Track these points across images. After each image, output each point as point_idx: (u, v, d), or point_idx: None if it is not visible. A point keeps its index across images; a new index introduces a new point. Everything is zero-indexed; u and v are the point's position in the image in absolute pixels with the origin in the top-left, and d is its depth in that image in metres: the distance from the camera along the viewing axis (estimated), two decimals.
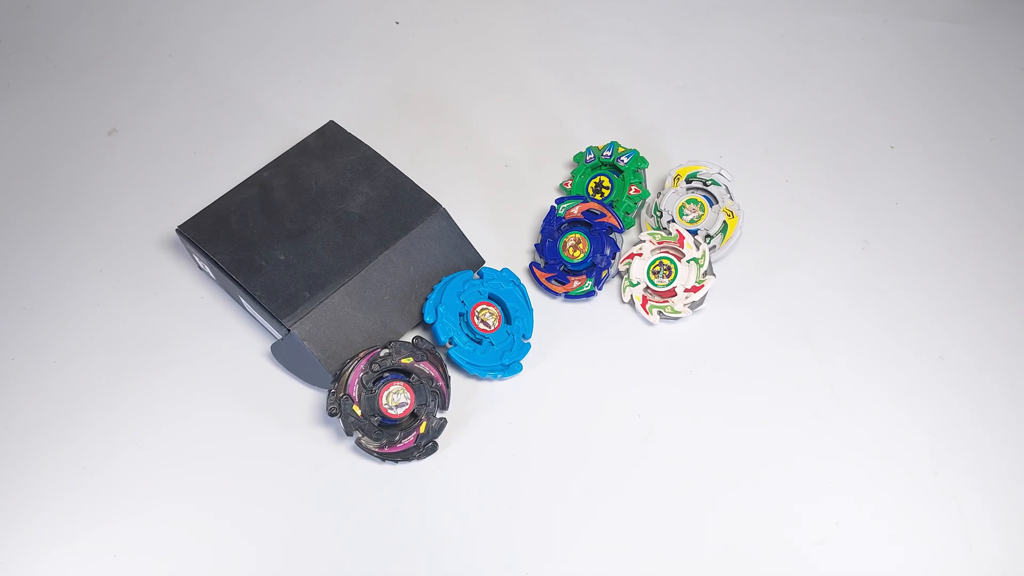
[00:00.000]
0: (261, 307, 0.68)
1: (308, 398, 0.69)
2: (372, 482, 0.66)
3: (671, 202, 0.78)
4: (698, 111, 0.88)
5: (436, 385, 0.68)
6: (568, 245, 0.75)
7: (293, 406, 0.69)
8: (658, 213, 0.77)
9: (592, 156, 0.81)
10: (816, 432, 0.68)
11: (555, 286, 0.75)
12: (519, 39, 0.94)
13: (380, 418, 0.67)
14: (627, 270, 0.75)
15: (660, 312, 0.73)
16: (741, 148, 0.85)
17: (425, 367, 0.67)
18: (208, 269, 0.73)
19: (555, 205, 0.77)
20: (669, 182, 0.79)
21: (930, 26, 0.96)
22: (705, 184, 0.78)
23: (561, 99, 0.89)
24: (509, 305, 0.72)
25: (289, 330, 0.67)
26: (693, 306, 0.73)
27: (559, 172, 0.83)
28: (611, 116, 0.87)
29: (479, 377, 0.70)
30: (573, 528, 0.64)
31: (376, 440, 0.65)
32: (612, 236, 0.75)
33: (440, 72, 0.91)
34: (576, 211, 0.76)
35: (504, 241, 0.78)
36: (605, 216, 0.75)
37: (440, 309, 0.70)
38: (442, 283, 0.71)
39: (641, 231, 0.79)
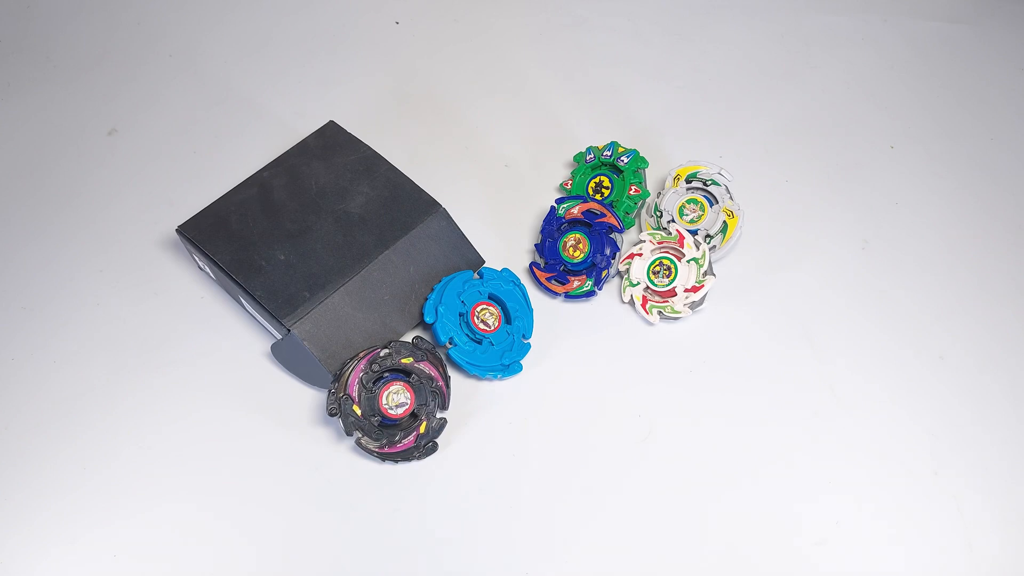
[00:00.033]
0: (261, 307, 0.68)
1: (308, 398, 0.69)
2: (372, 482, 0.66)
3: (671, 202, 0.78)
4: (698, 111, 0.88)
5: (436, 385, 0.68)
6: (568, 245, 0.75)
7: (293, 406, 0.69)
8: (658, 213, 0.77)
9: (592, 156, 0.81)
10: (816, 432, 0.68)
11: (555, 286, 0.74)
12: (519, 39, 0.94)
13: (380, 418, 0.67)
14: (627, 270, 0.75)
15: (660, 312, 0.73)
16: (741, 148, 0.85)
17: (425, 367, 0.67)
18: (208, 269, 0.73)
19: (555, 205, 0.77)
20: (669, 182, 0.79)
21: (930, 26, 0.96)
22: (705, 184, 0.78)
23: (561, 99, 0.89)
24: (509, 305, 0.72)
25: (289, 330, 0.67)
26: (693, 306, 0.73)
27: (559, 172, 0.83)
28: (611, 116, 0.87)
29: (479, 377, 0.70)
30: (573, 528, 0.64)
31: (376, 440, 0.65)
32: (612, 236, 0.75)
33: (440, 72, 0.91)
34: (576, 211, 0.76)
35: (504, 241, 0.78)
36: (605, 216, 0.75)
37: (440, 309, 0.70)
38: (442, 283, 0.71)
39: (641, 231, 0.79)
